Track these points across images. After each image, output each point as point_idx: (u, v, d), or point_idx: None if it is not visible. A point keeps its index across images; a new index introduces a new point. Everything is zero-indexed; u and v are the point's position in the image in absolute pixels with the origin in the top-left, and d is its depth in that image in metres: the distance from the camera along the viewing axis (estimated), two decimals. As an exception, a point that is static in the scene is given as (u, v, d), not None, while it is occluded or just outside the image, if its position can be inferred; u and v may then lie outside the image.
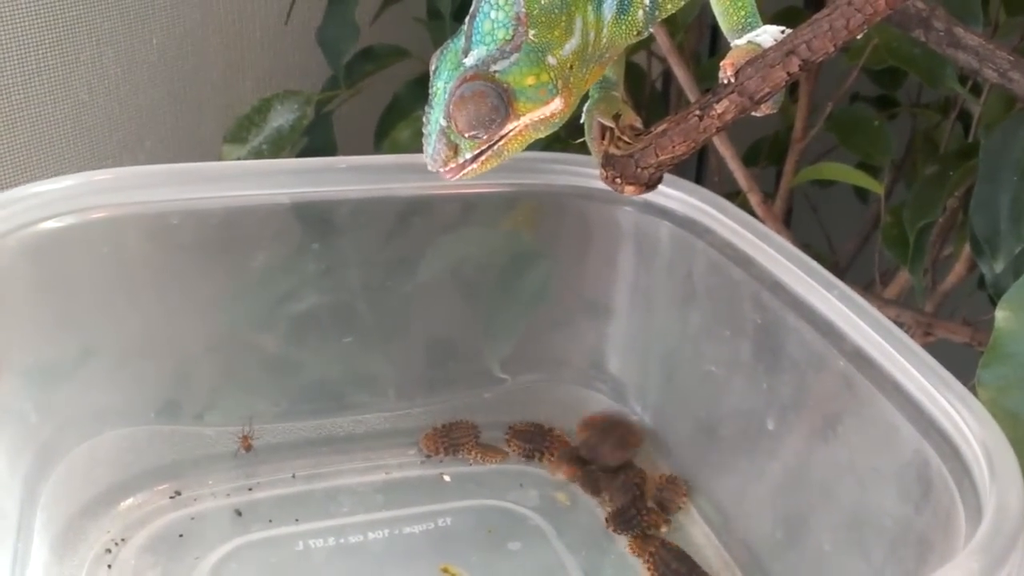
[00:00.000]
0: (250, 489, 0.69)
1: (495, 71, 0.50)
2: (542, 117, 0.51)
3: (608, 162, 0.56)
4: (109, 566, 0.62)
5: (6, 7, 0.81)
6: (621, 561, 0.66)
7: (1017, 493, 0.44)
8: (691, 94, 0.83)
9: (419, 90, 0.91)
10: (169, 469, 0.68)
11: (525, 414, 0.75)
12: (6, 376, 0.60)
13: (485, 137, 0.51)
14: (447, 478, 0.72)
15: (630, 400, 0.76)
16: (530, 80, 0.50)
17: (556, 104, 0.51)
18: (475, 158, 0.52)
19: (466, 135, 0.50)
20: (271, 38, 1.00)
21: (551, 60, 0.50)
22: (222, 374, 0.70)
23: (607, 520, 0.68)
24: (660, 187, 0.69)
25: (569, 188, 0.70)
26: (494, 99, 0.49)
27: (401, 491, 0.70)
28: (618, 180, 0.56)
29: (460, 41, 0.51)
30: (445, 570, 0.64)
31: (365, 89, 0.94)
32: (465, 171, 0.52)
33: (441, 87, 0.51)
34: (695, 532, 0.68)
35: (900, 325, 0.89)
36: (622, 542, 0.67)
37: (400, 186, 0.68)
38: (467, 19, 0.51)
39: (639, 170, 0.55)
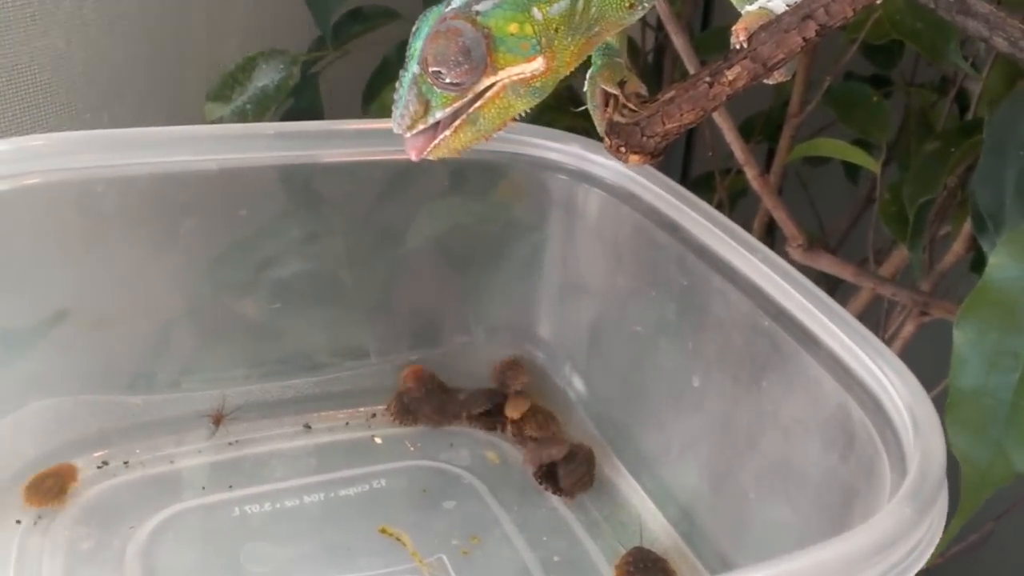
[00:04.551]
0: (181, 457, 0.68)
1: (476, 11, 0.48)
2: (521, 76, 0.48)
3: (612, 130, 0.55)
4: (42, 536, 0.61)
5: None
6: (552, 514, 0.68)
7: (938, 443, 0.48)
8: (689, 63, 0.80)
9: (408, 53, 0.90)
10: (96, 439, 0.67)
11: (455, 377, 0.76)
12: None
13: (455, 83, 0.48)
14: (378, 440, 0.73)
15: (560, 362, 0.78)
16: (512, 28, 0.48)
17: (538, 64, 0.48)
18: (448, 123, 0.49)
19: (433, 72, 0.47)
20: (257, -5, 0.95)
21: (536, 13, 0.48)
22: (157, 343, 0.69)
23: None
24: (587, 153, 0.71)
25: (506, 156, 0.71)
26: (470, 38, 0.47)
27: (333, 454, 0.71)
28: (623, 149, 0.54)
29: (443, 5, 0.49)
30: (383, 530, 0.65)
31: (353, 50, 0.90)
32: (437, 141, 0.50)
33: (419, 46, 0.49)
34: (623, 487, 0.70)
35: (896, 304, 0.88)
36: (552, 497, 0.69)
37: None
38: None
39: (645, 139, 0.53)
